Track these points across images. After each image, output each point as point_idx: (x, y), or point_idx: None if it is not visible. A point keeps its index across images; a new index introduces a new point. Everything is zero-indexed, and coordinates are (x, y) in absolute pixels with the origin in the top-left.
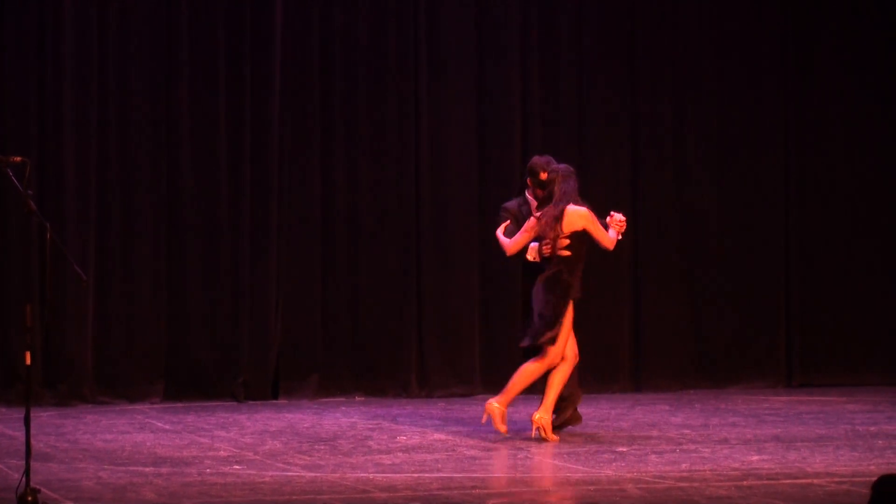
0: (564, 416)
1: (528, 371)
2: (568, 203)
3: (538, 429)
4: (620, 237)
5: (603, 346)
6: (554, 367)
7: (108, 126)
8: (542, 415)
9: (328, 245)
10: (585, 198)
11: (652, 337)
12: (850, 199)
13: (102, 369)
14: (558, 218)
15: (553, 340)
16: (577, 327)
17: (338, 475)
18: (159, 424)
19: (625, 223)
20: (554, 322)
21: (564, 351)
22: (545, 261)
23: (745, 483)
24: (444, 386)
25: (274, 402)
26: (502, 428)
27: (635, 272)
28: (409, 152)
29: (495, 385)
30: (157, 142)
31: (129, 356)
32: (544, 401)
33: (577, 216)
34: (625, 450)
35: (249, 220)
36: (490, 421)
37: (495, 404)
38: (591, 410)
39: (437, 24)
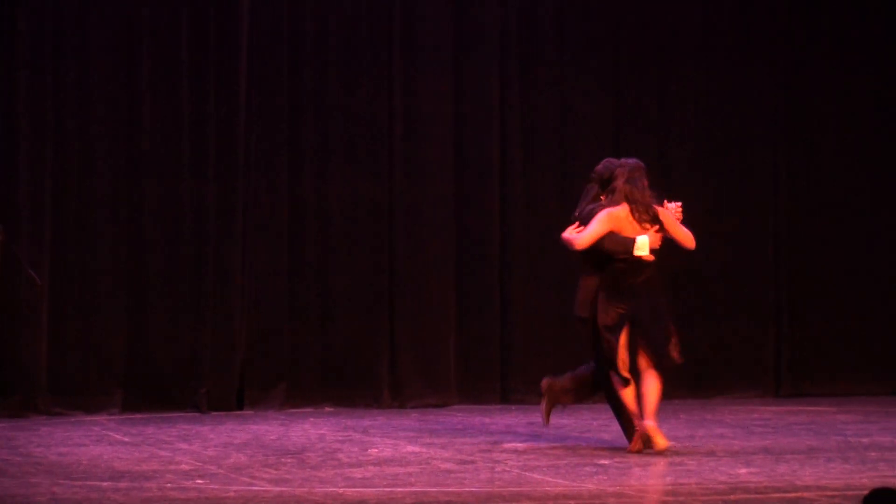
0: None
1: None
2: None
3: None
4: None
5: (584, 355)
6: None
7: (65, 127)
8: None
9: (296, 248)
10: (567, 196)
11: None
12: (841, 204)
13: (57, 379)
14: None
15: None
16: (559, 336)
17: (306, 490)
18: (117, 437)
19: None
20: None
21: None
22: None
23: (732, 497)
24: (418, 396)
25: (238, 412)
26: (664, 443)
27: None
28: (382, 152)
29: (471, 395)
30: (117, 139)
31: (86, 365)
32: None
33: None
34: (607, 462)
35: (213, 222)
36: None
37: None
38: (573, 421)
39: (412, 15)
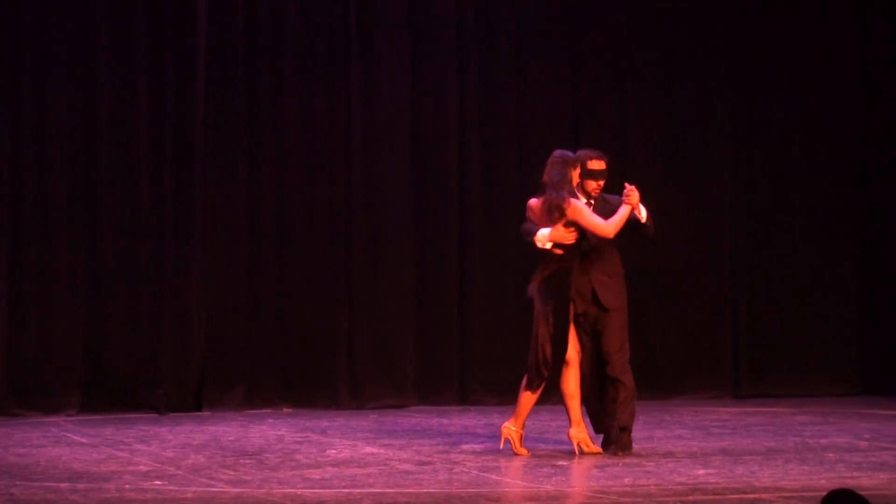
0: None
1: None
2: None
3: (578, 445)
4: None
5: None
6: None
7: (22, 127)
8: (577, 430)
9: (254, 250)
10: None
11: None
12: (800, 205)
13: (15, 379)
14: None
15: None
16: (512, 337)
17: (264, 491)
18: (76, 438)
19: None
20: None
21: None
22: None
23: (691, 498)
24: (376, 397)
25: (197, 413)
26: (523, 451)
27: None
28: (340, 154)
29: (430, 396)
30: (74, 141)
31: (44, 365)
32: (571, 415)
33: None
34: (566, 464)
35: (171, 223)
36: (507, 444)
37: (512, 427)
38: (531, 422)
39: (369, 17)
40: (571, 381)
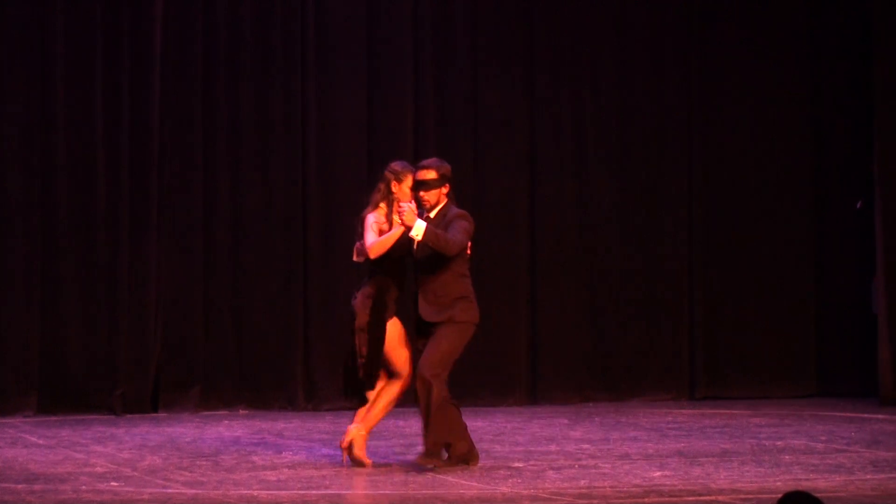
0: (457, 451)
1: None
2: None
3: (349, 443)
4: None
5: (497, 356)
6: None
7: None
8: (360, 429)
9: (210, 249)
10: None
11: (549, 347)
12: (756, 207)
13: None
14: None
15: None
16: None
17: (220, 492)
18: (32, 439)
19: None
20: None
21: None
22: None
23: (646, 500)
24: (332, 399)
25: (153, 415)
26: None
27: (532, 279)
28: (296, 152)
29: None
30: (30, 139)
31: (0, 367)
32: (367, 417)
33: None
34: (521, 465)
35: (127, 222)
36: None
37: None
38: (486, 424)
39: (324, 16)
40: (388, 395)
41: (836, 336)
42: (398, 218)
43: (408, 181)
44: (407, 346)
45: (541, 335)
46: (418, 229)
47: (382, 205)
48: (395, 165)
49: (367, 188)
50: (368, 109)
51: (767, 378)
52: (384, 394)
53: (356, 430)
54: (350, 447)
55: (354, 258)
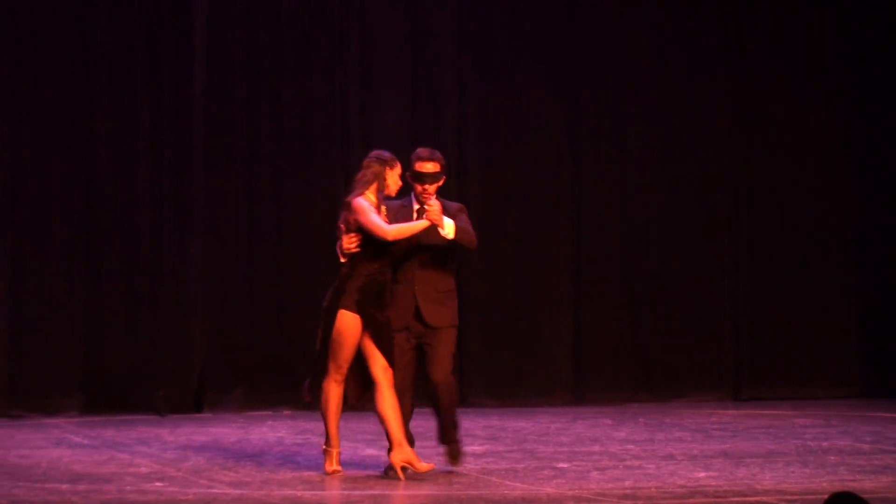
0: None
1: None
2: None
3: (403, 467)
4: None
5: (542, 357)
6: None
7: (22, 130)
8: (397, 453)
9: (254, 252)
10: (524, 200)
11: (593, 348)
12: (799, 209)
13: (16, 381)
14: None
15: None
16: (515, 336)
17: (264, 493)
18: (76, 439)
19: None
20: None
21: (375, 372)
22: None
23: (691, 501)
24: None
25: (197, 415)
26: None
27: (576, 281)
28: (339, 156)
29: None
30: (73, 143)
31: (45, 368)
32: (391, 437)
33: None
34: (565, 466)
35: (170, 225)
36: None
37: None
38: (530, 424)
39: (368, 19)
40: (386, 403)
41: (881, 335)
42: (426, 216)
43: (397, 170)
44: (375, 347)
45: (585, 336)
46: (449, 228)
47: (370, 192)
48: (383, 153)
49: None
50: (412, 113)
51: (812, 378)
52: (386, 406)
53: (396, 456)
54: (406, 468)
55: (342, 260)
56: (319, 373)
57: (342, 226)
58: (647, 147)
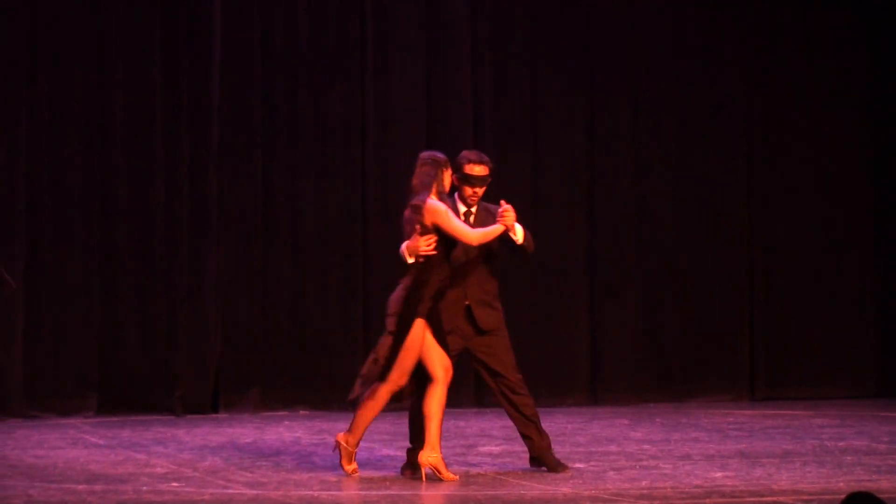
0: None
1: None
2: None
3: (430, 470)
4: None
5: (558, 357)
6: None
7: (38, 132)
8: (430, 454)
9: (269, 251)
10: (540, 198)
11: (609, 348)
12: (816, 208)
13: (32, 382)
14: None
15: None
16: (531, 337)
17: (281, 493)
18: (93, 439)
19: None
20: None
21: (435, 370)
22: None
23: (708, 501)
24: (392, 399)
25: (213, 416)
26: (349, 468)
27: (592, 280)
28: (355, 156)
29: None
30: (90, 147)
31: (61, 368)
32: (427, 436)
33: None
34: (582, 466)
35: (186, 226)
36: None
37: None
38: (546, 425)
39: (383, 19)
40: (437, 402)
41: None
42: (502, 220)
43: (448, 171)
44: (438, 345)
45: (601, 336)
46: (519, 231)
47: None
48: (437, 155)
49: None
50: (427, 111)
51: (828, 378)
52: (434, 404)
53: (427, 456)
54: (432, 473)
55: (408, 261)
56: (378, 377)
57: (418, 227)
58: (664, 147)
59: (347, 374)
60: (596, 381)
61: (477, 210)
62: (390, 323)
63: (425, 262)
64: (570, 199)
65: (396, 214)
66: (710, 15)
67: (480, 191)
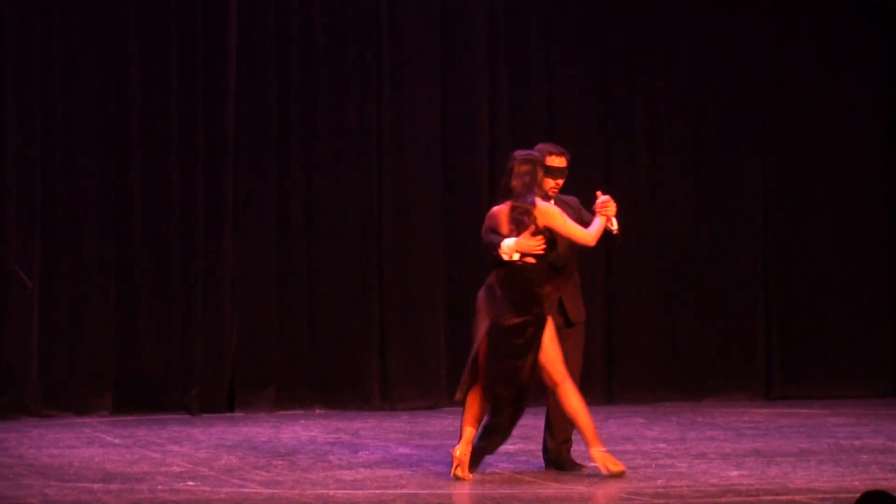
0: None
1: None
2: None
3: (605, 466)
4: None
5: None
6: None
7: (54, 130)
8: (597, 450)
9: (285, 251)
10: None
11: (625, 347)
12: (831, 206)
13: (48, 381)
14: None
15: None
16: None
17: (296, 492)
18: (108, 438)
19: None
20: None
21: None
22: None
23: (723, 500)
24: (408, 398)
25: (229, 414)
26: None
27: (608, 280)
28: (371, 154)
29: None
30: (105, 146)
31: (76, 367)
32: (585, 435)
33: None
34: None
35: (202, 225)
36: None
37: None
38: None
39: (399, 19)
40: (572, 398)
41: None
42: (604, 212)
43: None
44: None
45: (616, 335)
46: (615, 222)
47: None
48: (532, 153)
49: (442, 190)
50: (442, 113)
51: (843, 377)
52: (572, 406)
53: (597, 452)
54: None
55: (506, 259)
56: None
57: (531, 227)
58: (680, 145)
59: (363, 373)
60: (612, 380)
61: (554, 202)
62: (517, 329)
63: (534, 266)
64: (586, 199)
65: (411, 215)
66: (727, 17)
67: (561, 182)
